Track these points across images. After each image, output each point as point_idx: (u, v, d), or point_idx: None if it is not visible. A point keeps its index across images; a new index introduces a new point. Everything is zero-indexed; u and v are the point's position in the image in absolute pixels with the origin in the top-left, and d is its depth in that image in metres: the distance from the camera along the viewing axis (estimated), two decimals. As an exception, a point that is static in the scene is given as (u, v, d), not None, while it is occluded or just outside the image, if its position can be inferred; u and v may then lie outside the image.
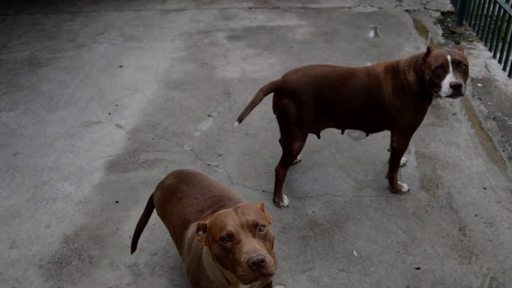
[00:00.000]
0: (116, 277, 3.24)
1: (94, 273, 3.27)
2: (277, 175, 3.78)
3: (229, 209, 2.11)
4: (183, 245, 2.51)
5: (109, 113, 5.01)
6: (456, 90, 3.26)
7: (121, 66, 5.98)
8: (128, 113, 5.02)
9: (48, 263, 3.35)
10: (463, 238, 3.51)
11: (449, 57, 3.30)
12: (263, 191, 3.97)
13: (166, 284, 3.18)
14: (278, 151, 4.39)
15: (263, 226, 2.02)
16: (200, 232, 2.13)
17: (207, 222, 2.12)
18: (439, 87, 3.32)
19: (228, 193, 2.66)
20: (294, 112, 3.53)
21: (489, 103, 5.03)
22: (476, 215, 3.70)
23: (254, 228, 2.00)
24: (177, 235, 2.57)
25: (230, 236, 1.98)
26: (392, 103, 3.54)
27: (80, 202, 3.87)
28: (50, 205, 3.84)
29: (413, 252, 3.39)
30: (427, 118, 4.80)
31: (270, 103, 5.11)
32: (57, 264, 3.34)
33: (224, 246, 1.99)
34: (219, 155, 4.39)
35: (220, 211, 2.14)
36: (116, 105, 5.16)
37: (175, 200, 2.65)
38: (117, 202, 3.86)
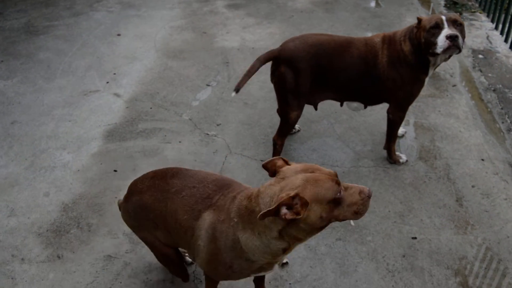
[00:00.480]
0: (115, 245, 3.26)
1: (92, 241, 3.30)
2: (274, 144, 3.78)
3: (314, 174, 2.06)
4: (197, 236, 2.36)
5: (107, 82, 4.98)
6: (453, 41, 3.20)
7: (119, 35, 5.93)
8: (126, 82, 4.99)
9: (47, 231, 3.37)
10: (459, 208, 3.53)
11: (443, 17, 3.28)
12: (261, 160, 3.97)
13: (164, 252, 3.21)
14: (277, 121, 4.38)
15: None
16: (285, 210, 1.97)
17: (304, 196, 1.97)
18: (435, 44, 3.27)
19: (223, 176, 2.54)
20: (291, 80, 3.50)
21: (490, 74, 5.00)
22: (473, 186, 3.71)
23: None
24: (185, 229, 2.40)
25: (340, 191, 2.05)
26: (387, 74, 3.51)
27: (78, 170, 3.88)
28: (48, 174, 3.85)
29: (409, 222, 3.41)
30: (427, 89, 4.78)
31: (269, 73, 5.08)
32: (56, 232, 3.36)
33: (337, 202, 2.05)
34: (217, 125, 4.38)
35: (308, 180, 2.02)
36: (114, 74, 5.13)
37: (170, 196, 2.46)
38: (115, 171, 3.87)
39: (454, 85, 4.86)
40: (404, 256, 3.19)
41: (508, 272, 3.09)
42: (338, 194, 2.04)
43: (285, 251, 2.19)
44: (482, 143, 4.14)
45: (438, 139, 4.17)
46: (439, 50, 3.26)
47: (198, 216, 2.35)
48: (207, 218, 2.32)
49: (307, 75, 3.51)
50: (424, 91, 4.71)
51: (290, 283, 3.01)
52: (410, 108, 4.46)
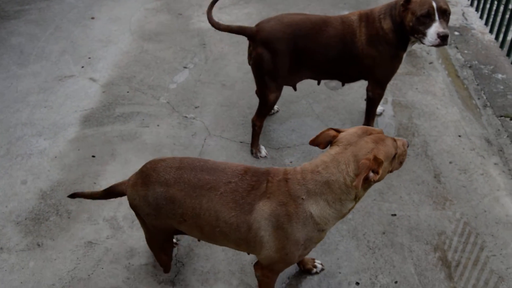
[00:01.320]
0: (95, 231, 3.24)
1: (72, 227, 3.27)
2: (253, 126, 3.77)
3: (377, 135, 2.25)
4: (256, 229, 2.31)
5: (82, 67, 4.90)
6: (443, 41, 3.24)
7: (93, 18, 5.82)
8: (102, 66, 4.91)
9: (25, 219, 3.33)
10: (437, 184, 3.57)
11: (434, 5, 3.24)
12: (241, 142, 3.96)
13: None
14: (255, 102, 4.37)
15: None
16: (371, 173, 2.14)
17: (380, 157, 2.15)
18: (424, 35, 3.28)
19: (249, 166, 2.49)
20: (268, 62, 3.48)
21: (466, 51, 5.04)
22: (450, 162, 3.76)
23: None
24: (236, 226, 2.35)
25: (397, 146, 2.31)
26: (366, 52, 3.50)
27: (55, 157, 3.83)
28: (25, 161, 3.79)
29: (389, 199, 3.45)
30: (404, 67, 4.80)
31: (247, 54, 5.04)
32: (34, 220, 3.32)
33: (394, 156, 2.29)
34: (196, 107, 4.35)
35: (377, 142, 2.21)
36: (89, 58, 5.05)
37: (206, 194, 2.37)
38: (93, 156, 3.82)
39: (430, 62, 4.89)
40: (384, 233, 3.23)
41: (485, 246, 3.15)
42: (397, 149, 2.29)
43: (350, 210, 2.34)
44: (459, 119, 4.18)
45: (415, 117, 4.20)
46: (426, 42, 3.28)
47: (251, 210, 2.31)
48: (264, 208, 2.29)
49: (284, 56, 3.48)
50: (401, 69, 4.73)
51: (272, 263, 3.03)
52: (388, 86, 4.48)
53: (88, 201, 3.44)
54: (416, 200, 3.46)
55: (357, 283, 2.95)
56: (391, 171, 2.34)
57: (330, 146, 2.31)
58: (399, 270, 3.01)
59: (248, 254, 2.52)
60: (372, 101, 3.75)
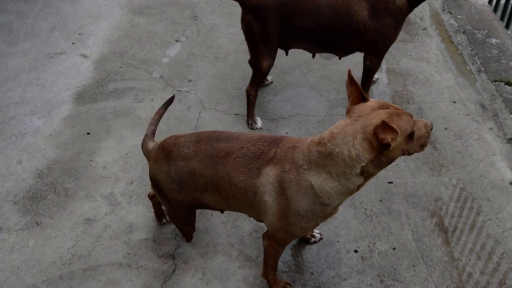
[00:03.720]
0: (93, 208, 3.25)
1: (71, 205, 3.27)
2: (248, 96, 3.75)
3: (394, 109, 2.15)
4: (262, 193, 2.34)
5: (73, 43, 4.84)
6: None
7: (81, -7, 5.72)
8: (93, 41, 4.85)
9: (23, 198, 3.33)
10: (433, 151, 3.58)
11: None
12: (236, 114, 3.95)
13: (144, 212, 3.21)
14: (249, 73, 4.33)
15: None
16: (388, 139, 2.00)
17: (392, 125, 1.99)
18: None
19: (265, 134, 2.52)
20: (258, 29, 3.42)
21: (459, 16, 5.00)
22: (446, 129, 3.76)
23: None
24: (244, 190, 2.38)
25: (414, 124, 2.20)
26: (368, 26, 3.37)
27: (50, 135, 3.81)
28: (19, 141, 3.77)
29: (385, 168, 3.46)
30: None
31: (239, 25, 4.98)
32: (32, 199, 3.32)
33: (411, 136, 2.17)
34: (189, 81, 4.32)
35: (391, 114, 2.11)
36: (80, 34, 4.98)
37: (220, 161, 2.41)
38: (88, 133, 3.81)
39: (424, 29, 4.86)
40: (381, 200, 3.25)
41: (482, 210, 3.18)
42: (414, 127, 2.18)
43: (359, 187, 2.26)
44: (453, 85, 4.17)
45: (410, 84, 4.19)
46: None
47: (258, 174, 2.34)
48: (270, 173, 2.31)
49: (274, 23, 3.40)
50: (395, 36, 4.70)
51: (271, 234, 3.05)
52: (382, 54, 4.45)
53: (85, 178, 3.44)
54: (412, 167, 3.47)
55: (356, 251, 2.98)
56: (408, 153, 2.25)
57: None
58: (396, 237, 3.04)
59: (259, 221, 2.55)
60: (370, 70, 3.68)
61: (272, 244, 2.52)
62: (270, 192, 2.32)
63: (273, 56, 3.58)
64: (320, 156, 2.19)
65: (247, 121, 3.84)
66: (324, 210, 2.32)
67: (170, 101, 3.01)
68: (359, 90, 2.22)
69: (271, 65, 3.61)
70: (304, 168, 2.24)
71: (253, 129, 3.80)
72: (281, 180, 2.28)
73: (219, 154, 2.42)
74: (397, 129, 1.97)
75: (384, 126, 1.97)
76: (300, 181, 2.25)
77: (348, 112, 2.23)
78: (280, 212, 2.33)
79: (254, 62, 3.64)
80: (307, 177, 2.24)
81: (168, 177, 2.54)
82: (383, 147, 2.04)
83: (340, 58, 3.75)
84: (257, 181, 2.34)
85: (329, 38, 3.51)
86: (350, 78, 2.22)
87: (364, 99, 2.22)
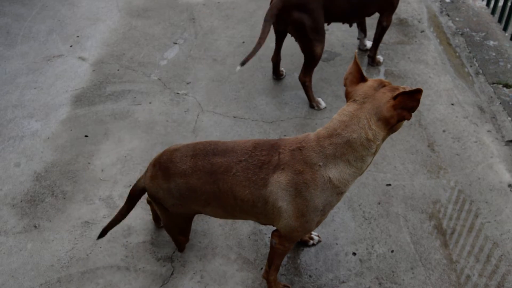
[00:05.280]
0: (92, 211, 3.24)
1: (69, 208, 3.27)
2: (303, 83, 3.94)
3: (395, 85, 2.26)
4: (274, 201, 2.34)
5: (71, 46, 4.84)
6: None
7: (79, -5, 5.72)
8: (91, 44, 4.85)
9: (21, 201, 3.32)
10: (431, 153, 3.59)
11: None
12: (234, 117, 3.94)
13: (142, 215, 3.20)
14: (247, 76, 4.35)
15: None
16: (408, 115, 2.16)
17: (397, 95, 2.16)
18: None
19: (258, 140, 2.50)
20: (308, 21, 3.64)
21: (457, 19, 5.00)
22: (444, 131, 3.76)
23: None
24: (252, 202, 2.39)
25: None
26: None
27: (48, 138, 3.80)
28: (17, 144, 3.76)
29: (383, 170, 3.46)
30: (396, 36, 4.77)
31: (237, 27, 5.00)
32: (30, 202, 3.31)
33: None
34: (187, 83, 4.32)
35: (394, 90, 2.21)
36: (78, 36, 4.98)
37: (221, 177, 2.40)
38: (86, 136, 3.80)
39: (422, 31, 4.86)
40: (379, 203, 3.25)
41: (480, 213, 3.18)
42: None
43: (368, 166, 2.34)
44: (451, 87, 4.18)
45: (408, 86, 4.19)
46: None
47: (265, 184, 2.34)
48: (280, 179, 2.32)
49: (319, 10, 3.67)
50: (392, 38, 4.72)
51: (268, 237, 3.05)
52: (380, 56, 4.47)
53: (83, 180, 3.43)
54: (410, 169, 3.47)
55: (354, 254, 2.98)
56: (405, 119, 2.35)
57: (346, 98, 2.34)
58: (395, 239, 3.04)
59: (273, 226, 2.55)
60: (384, 29, 4.19)
61: (283, 242, 2.52)
62: (283, 197, 2.33)
63: (324, 39, 3.80)
64: (337, 147, 2.23)
65: (311, 105, 4.01)
66: (340, 198, 2.39)
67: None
68: (359, 70, 2.31)
69: (323, 48, 3.83)
70: (319, 165, 2.26)
71: (320, 109, 4.01)
72: (296, 183, 2.29)
73: (217, 170, 2.41)
74: (417, 101, 2.13)
75: (405, 100, 2.14)
76: (316, 179, 2.27)
77: (349, 96, 2.31)
78: (298, 213, 2.35)
79: (308, 51, 3.81)
80: (324, 172, 2.27)
81: (168, 194, 2.54)
82: (399, 121, 2.20)
83: (350, 26, 4.25)
84: (266, 190, 2.35)
85: (359, 9, 3.96)
86: (356, 60, 2.32)
87: (364, 79, 2.31)
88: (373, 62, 4.41)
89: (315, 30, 3.70)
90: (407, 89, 2.20)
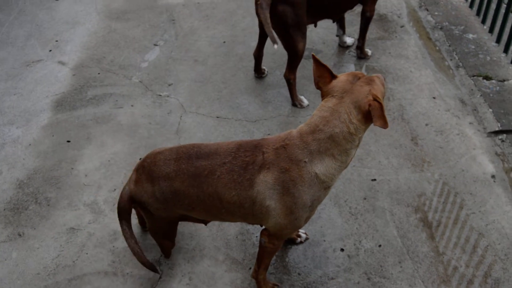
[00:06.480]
0: (77, 217, 3.21)
1: (53, 215, 3.23)
2: (288, 80, 3.93)
3: (369, 77, 2.31)
4: (261, 200, 2.34)
5: (50, 50, 4.78)
6: None
7: (57, -1, 5.66)
8: (70, 48, 4.80)
9: (4, 210, 3.27)
10: (415, 147, 3.61)
11: None
12: (217, 117, 3.93)
13: (128, 219, 3.18)
14: (230, 76, 4.33)
15: None
16: (375, 103, 2.19)
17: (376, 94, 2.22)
18: None
19: (240, 141, 2.50)
20: (291, 15, 3.64)
21: (436, 13, 5.04)
22: (427, 124, 3.79)
23: None
24: (239, 203, 2.38)
25: None
26: None
27: (30, 145, 3.75)
28: (-2, 151, 3.71)
29: (368, 165, 3.48)
30: (376, 32, 4.79)
31: (218, 27, 4.98)
32: (13, 210, 3.27)
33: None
34: (169, 85, 4.29)
35: (370, 83, 2.27)
36: (57, 41, 4.92)
37: (204, 180, 2.39)
38: (68, 141, 3.76)
39: (402, 26, 4.89)
40: (365, 198, 3.26)
41: (465, 204, 3.21)
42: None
43: (352, 158, 2.36)
44: (432, 81, 4.21)
45: (390, 81, 4.22)
46: None
47: (251, 184, 2.34)
48: (267, 178, 2.31)
49: (304, 7, 3.68)
50: (373, 34, 4.73)
51: (256, 236, 3.04)
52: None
53: (67, 186, 3.40)
54: (395, 164, 3.49)
55: (342, 249, 2.98)
56: None
57: (323, 98, 2.34)
58: (382, 234, 3.05)
59: (261, 226, 2.54)
60: (369, 19, 4.24)
61: (273, 240, 2.52)
62: (271, 196, 2.33)
63: (305, 36, 3.82)
64: (321, 142, 2.25)
65: (294, 103, 4.01)
66: (327, 193, 2.41)
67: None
68: (328, 70, 2.33)
69: (305, 45, 3.84)
70: (304, 161, 2.27)
71: (303, 107, 4.00)
72: (283, 181, 2.30)
73: (201, 173, 2.40)
74: (381, 98, 2.21)
75: (379, 96, 2.21)
76: (303, 176, 2.28)
77: (325, 94, 2.32)
78: (286, 211, 2.35)
79: (290, 47, 3.81)
80: (310, 169, 2.28)
81: (153, 197, 2.51)
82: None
83: (333, 21, 4.30)
84: (252, 191, 2.34)
85: (342, 4, 4.02)
86: (317, 62, 2.32)
87: (334, 76, 2.34)
88: (362, 53, 4.45)
89: (297, 26, 3.70)
90: (381, 77, 2.33)
